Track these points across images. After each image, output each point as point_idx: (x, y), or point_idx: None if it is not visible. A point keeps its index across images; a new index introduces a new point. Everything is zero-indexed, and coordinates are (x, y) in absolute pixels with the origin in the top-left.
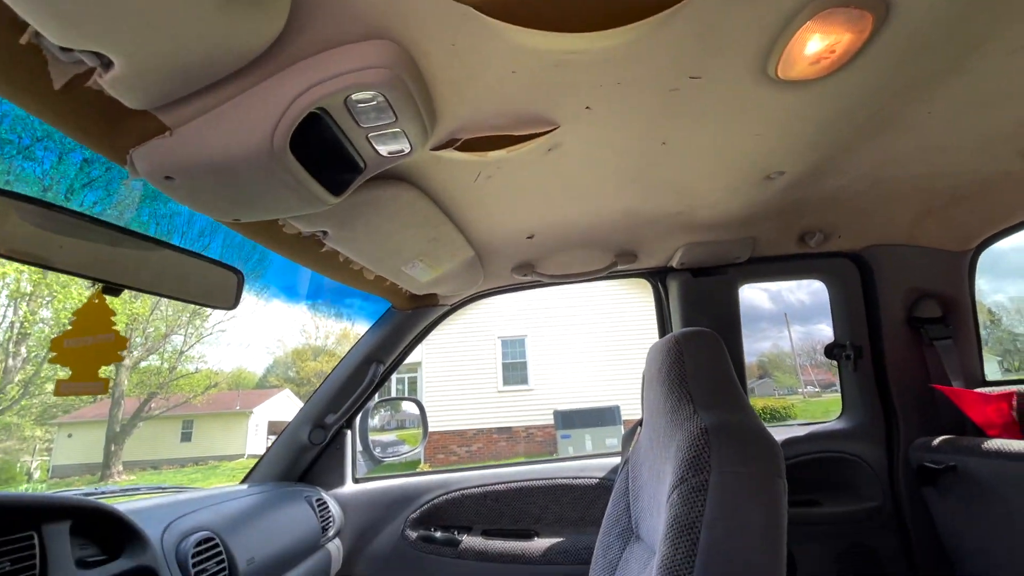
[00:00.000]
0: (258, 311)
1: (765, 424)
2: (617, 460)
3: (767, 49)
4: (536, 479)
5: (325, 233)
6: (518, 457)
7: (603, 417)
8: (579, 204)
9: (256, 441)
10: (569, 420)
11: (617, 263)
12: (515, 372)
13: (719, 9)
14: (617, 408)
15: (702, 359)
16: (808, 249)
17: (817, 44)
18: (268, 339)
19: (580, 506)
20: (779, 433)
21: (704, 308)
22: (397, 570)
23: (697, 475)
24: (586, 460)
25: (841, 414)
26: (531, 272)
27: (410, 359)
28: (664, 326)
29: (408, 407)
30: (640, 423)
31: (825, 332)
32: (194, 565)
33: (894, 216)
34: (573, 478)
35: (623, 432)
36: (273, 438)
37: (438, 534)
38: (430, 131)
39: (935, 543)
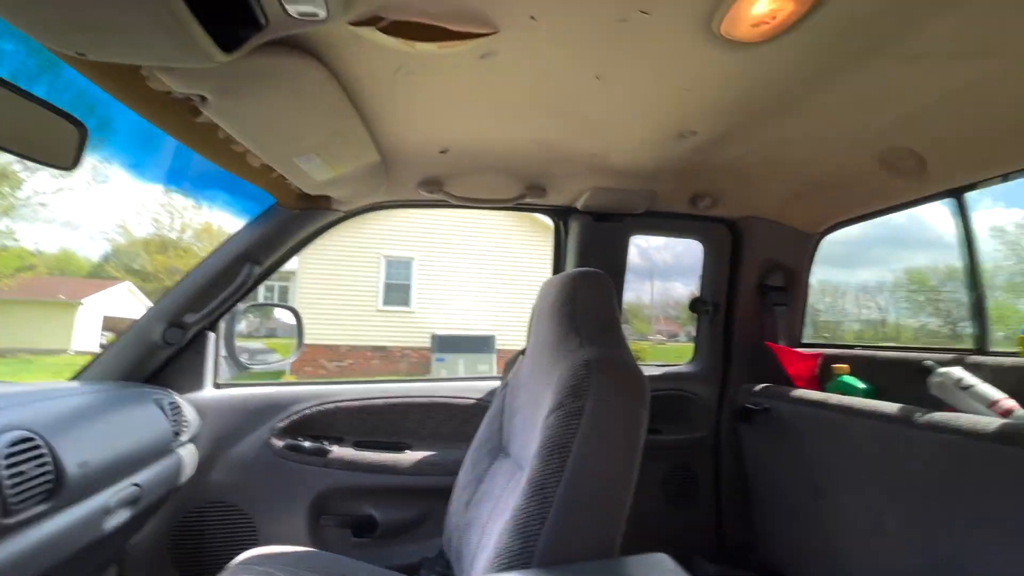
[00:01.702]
0: (95, 187)
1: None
2: (494, 384)
3: (717, 1)
4: (415, 396)
5: (203, 99)
6: (391, 376)
7: (478, 344)
8: (501, 125)
9: (85, 337)
10: (445, 344)
11: (526, 195)
12: (397, 293)
13: None
14: (492, 338)
15: (593, 298)
16: (696, 211)
17: (763, 6)
18: (107, 223)
19: (454, 423)
20: (643, 370)
21: (598, 252)
22: (256, 476)
23: (575, 401)
24: (466, 382)
25: (692, 359)
26: (438, 190)
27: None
28: (558, 264)
29: (282, 315)
30: (523, 352)
31: (678, 290)
32: (7, 467)
33: (770, 193)
34: (452, 397)
35: (494, 360)
36: (109, 335)
37: (306, 443)
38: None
39: (740, 469)
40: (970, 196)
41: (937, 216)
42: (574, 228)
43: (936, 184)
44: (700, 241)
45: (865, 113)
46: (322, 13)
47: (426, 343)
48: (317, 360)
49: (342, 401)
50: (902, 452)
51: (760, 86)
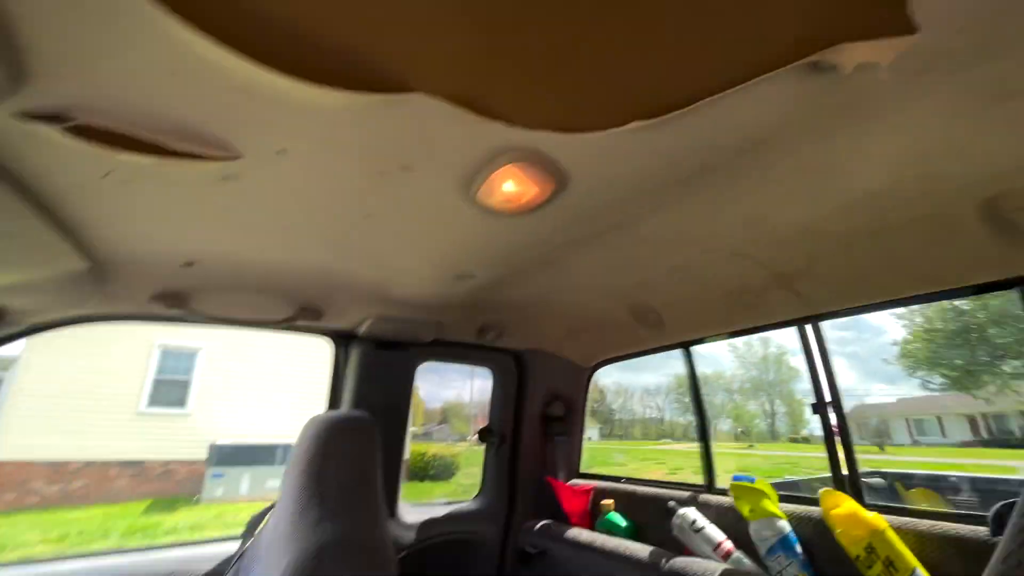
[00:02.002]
0: None
1: (412, 502)
2: (232, 547)
3: (472, 174)
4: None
5: None
6: (142, 501)
7: (271, 455)
8: (263, 244)
9: None
10: (228, 456)
11: (298, 317)
12: (171, 391)
13: (440, 123)
14: (290, 447)
15: (350, 455)
16: (484, 341)
17: (511, 187)
18: None
19: None
20: (422, 513)
21: (381, 381)
22: None
23: None
24: (196, 548)
25: (478, 494)
26: (182, 306)
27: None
28: (335, 393)
29: None
30: (272, 507)
31: None
32: None
33: (549, 329)
34: (168, 575)
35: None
36: None
37: None
38: (5, 86)
39: None
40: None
41: None
42: (355, 355)
43: (671, 336)
44: (490, 368)
45: (615, 275)
46: None
47: (202, 453)
48: (28, 483)
49: None
50: None
51: (523, 247)
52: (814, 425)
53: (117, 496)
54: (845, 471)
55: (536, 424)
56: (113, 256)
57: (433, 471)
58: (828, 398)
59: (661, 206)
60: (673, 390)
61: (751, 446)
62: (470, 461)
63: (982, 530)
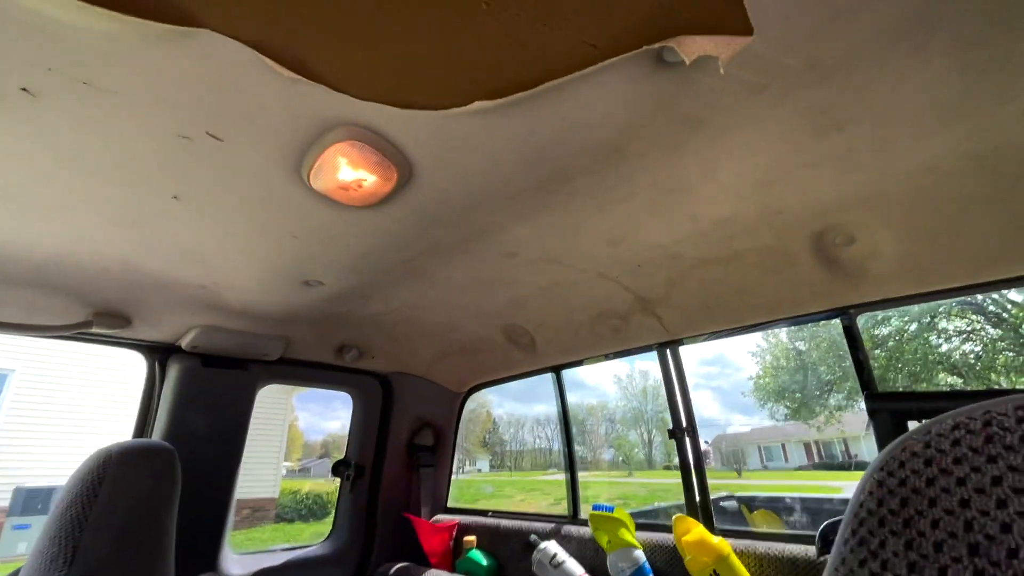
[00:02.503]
0: None
1: (241, 553)
2: None
3: (301, 149)
4: None
5: None
6: None
7: None
8: (44, 221)
9: None
10: (37, 502)
11: (95, 323)
12: None
13: (253, 80)
14: None
15: (129, 494)
16: (343, 362)
17: (348, 172)
18: None
19: None
20: (255, 562)
21: (209, 404)
22: None
23: None
24: None
25: (328, 536)
26: None
27: None
28: (146, 418)
29: None
30: (17, 572)
31: None
32: None
33: (418, 352)
34: None
35: None
36: None
37: None
38: None
39: None
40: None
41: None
42: (174, 372)
43: (543, 360)
44: (350, 393)
45: (486, 292)
46: None
47: (4, 502)
48: None
49: None
50: None
51: (378, 249)
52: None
53: None
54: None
55: (401, 455)
56: None
57: (305, 509)
58: (684, 424)
59: (524, 215)
60: (560, 421)
61: (630, 474)
62: None
63: (811, 550)
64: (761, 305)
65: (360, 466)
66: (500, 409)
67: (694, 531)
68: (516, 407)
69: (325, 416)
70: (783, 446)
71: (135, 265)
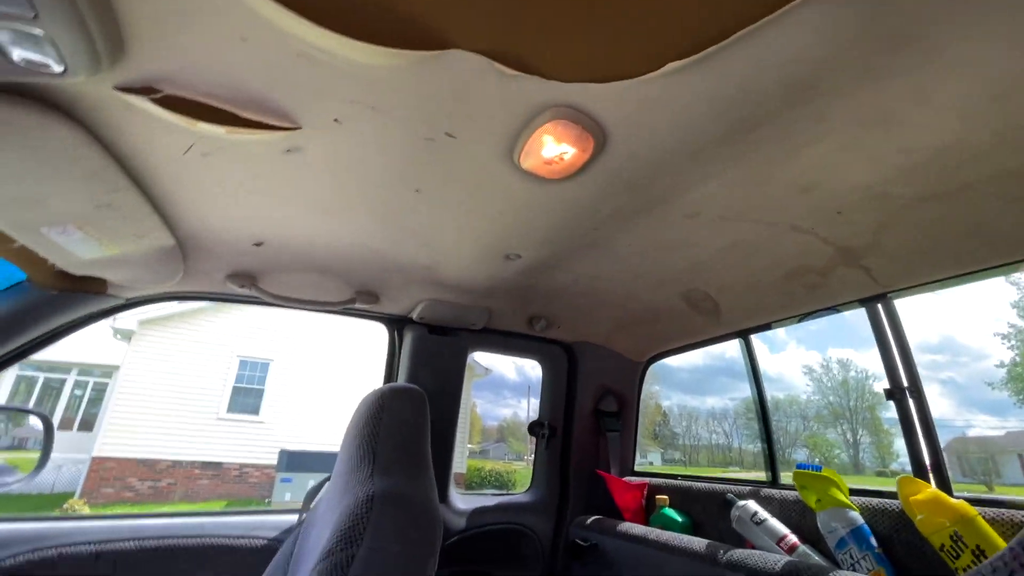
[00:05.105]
0: None
1: (468, 479)
2: (294, 519)
3: (514, 135)
4: (183, 536)
5: None
6: (219, 501)
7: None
8: (323, 224)
9: None
10: (296, 462)
11: (356, 300)
12: (246, 399)
13: (480, 81)
14: None
15: (400, 418)
16: (533, 332)
17: (552, 148)
18: None
19: (234, 572)
20: (473, 501)
21: (433, 365)
22: None
23: (346, 549)
24: (265, 516)
25: (530, 487)
26: (251, 285)
27: (108, 360)
28: (391, 375)
29: (33, 422)
30: (328, 478)
31: None
32: None
33: (599, 322)
34: (237, 537)
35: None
36: None
37: None
38: (105, 58)
39: None
40: (776, 338)
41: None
42: (408, 339)
43: (728, 325)
44: (539, 361)
45: (665, 257)
46: (58, 66)
47: (272, 459)
48: (126, 478)
49: (67, 546)
50: None
51: (568, 220)
52: (904, 459)
53: (199, 495)
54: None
55: (588, 419)
56: (195, 235)
57: (489, 486)
58: (905, 383)
59: (708, 173)
60: (741, 415)
61: None
62: (526, 478)
63: None
64: (1000, 243)
65: (553, 426)
66: (667, 401)
67: (926, 492)
68: (685, 399)
69: (498, 405)
70: None
71: (385, 252)
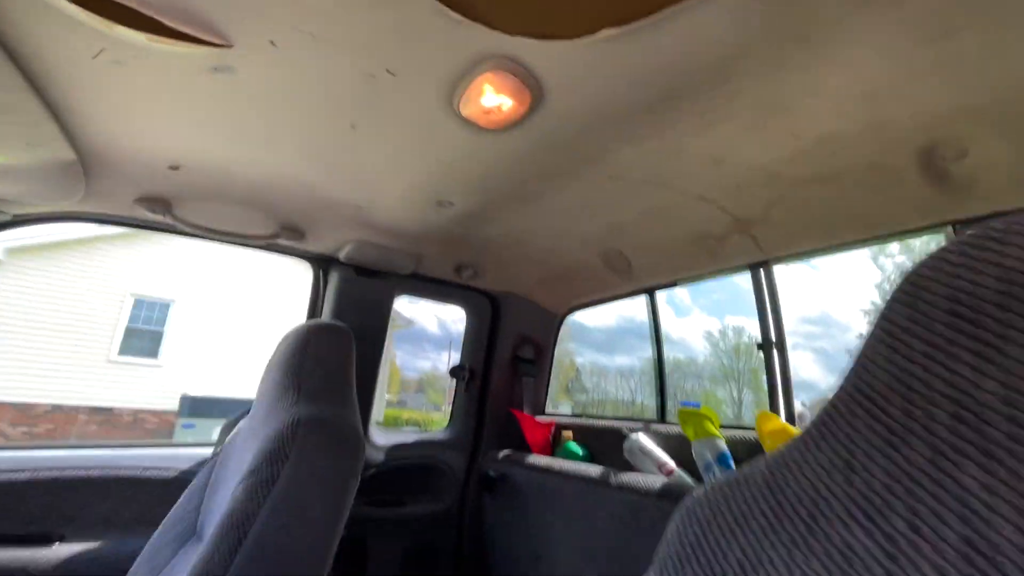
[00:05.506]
0: None
1: (385, 427)
2: (208, 452)
3: (454, 81)
4: (83, 469)
5: None
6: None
7: (243, 408)
8: (249, 152)
9: None
10: (200, 407)
11: (281, 236)
12: (142, 341)
13: (426, 22)
14: None
15: (325, 352)
16: (460, 280)
17: (491, 98)
18: None
19: (141, 504)
20: (393, 436)
21: (359, 308)
22: None
23: (270, 467)
24: (175, 449)
25: (447, 426)
26: (165, 211)
27: None
28: (314, 314)
29: None
30: (246, 413)
31: None
32: None
33: (523, 274)
34: (144, 469)
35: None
36: None
37: None
38: None
39: (480, 540)
40: (682, 304)
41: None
42: (334, 280)
43: (638, 282)
44: (464, 308)
45: (589, 216)
46: None
47: (173, 404)
48: None
49: None
50: (598, 511)
51: (501, 172)
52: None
53: (82, 442)
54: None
55: (506, 364)
56: (100, 150)
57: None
58: (774, 339)
59: (632, 138)
60: (646, 372)
61: None
62: (442, 425)
63: None
64: (860, 223)
65: (473, 370)
66: (581, 358)
67: (776, 424)
68: (598, 357)
69: (418, 357)
70: None
71: (314, 187)
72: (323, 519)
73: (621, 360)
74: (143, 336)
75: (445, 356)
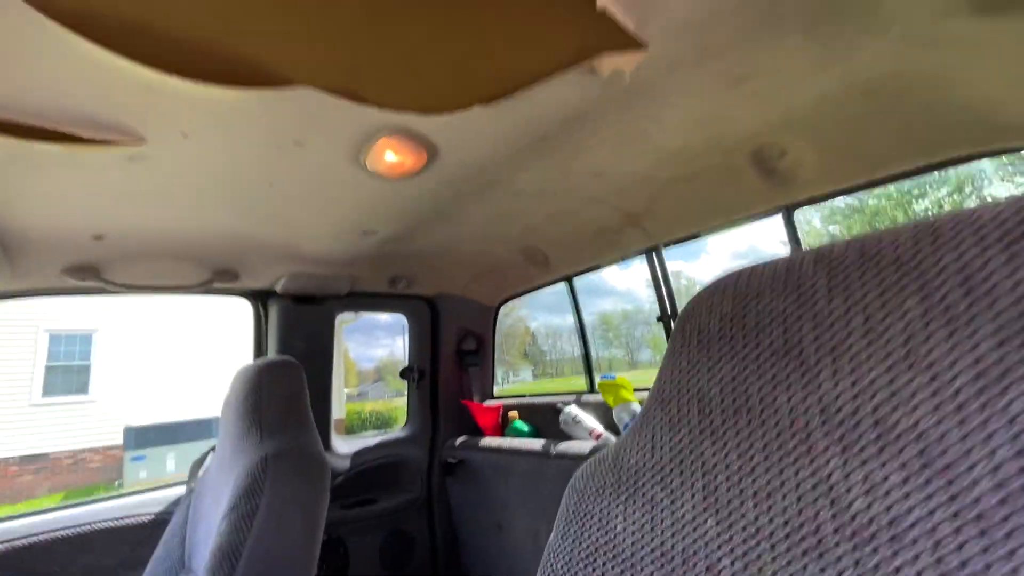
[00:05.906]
0: None
1: (343, 436)
2: (179, 492)
3: (357, 146)
4: (61, 529)
5: None
6: (55, 495)
7: (195, 431)
8: (172, 214)
9: None
10: (146, 437)
11: (215, 280)
12: (68, 378)
13: (323, 105)
14: (215, 420)
15: (279, 389)
16: (396, 291)
17: (392, 156)
18: None
19: (122, 551)
20: (355, 444)
21: (302, 334)
22: None
23: (248, 501)
24: (143, 495)
25: (404, 425)
26: (95, 277)
27: None
28: (260, 348)
29: None
30: (213, 449)
31: None
32: None
33: (455, 276)
34: (118, 519)
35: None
36: None
37: None
38: None
39: (450, 523)
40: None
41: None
42: (275, 311)
43: (556, 272)
44: (404, 315)
45: (504, 223)
46: None
47: (116, 439)
48: None
49: None
50: (544, 478)
51: (417, 205)
52: None
53: (19, 494)
54: None
55: (451, 358)
56: (21, 233)
57: (371, 427)
58: (669, 312)
59: (523, 166)
60: (598, 327)
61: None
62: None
63: None
64: (720, 211)
65: (421, 369)
66: (535, 323)
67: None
68: (551, 318)
69: (372, 347)
70: None
71: (241, 234)
72: (303, 535)
73: (572, 318)
74: (68, 372)
75: (400, 340)
